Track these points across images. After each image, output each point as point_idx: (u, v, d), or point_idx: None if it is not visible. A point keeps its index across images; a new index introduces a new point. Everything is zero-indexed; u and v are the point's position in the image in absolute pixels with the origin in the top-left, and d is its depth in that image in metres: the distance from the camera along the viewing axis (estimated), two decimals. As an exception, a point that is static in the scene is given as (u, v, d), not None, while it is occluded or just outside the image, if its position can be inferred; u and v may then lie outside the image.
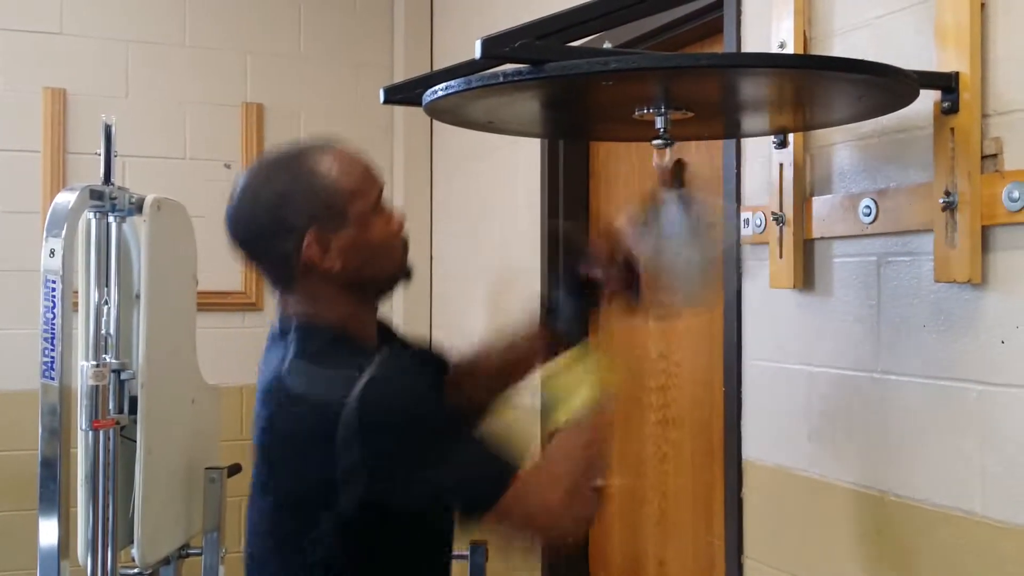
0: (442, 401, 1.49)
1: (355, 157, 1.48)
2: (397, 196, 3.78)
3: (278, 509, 1.43)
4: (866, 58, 1.49)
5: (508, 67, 1.31)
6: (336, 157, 1.45)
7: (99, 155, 2.49)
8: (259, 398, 1.45)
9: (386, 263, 1.49)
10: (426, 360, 1.64)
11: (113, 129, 2.51)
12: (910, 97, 1.45)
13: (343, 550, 1.39)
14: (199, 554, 2.66)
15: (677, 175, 1.62)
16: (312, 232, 1.40)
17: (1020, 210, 1.39)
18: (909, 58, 1.54)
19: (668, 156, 1.53)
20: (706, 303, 1.60)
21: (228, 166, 3.66)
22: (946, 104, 1.48)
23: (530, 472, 1.37)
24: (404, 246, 1.51)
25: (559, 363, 1.50)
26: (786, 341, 1.89)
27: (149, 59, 3.61)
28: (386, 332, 1.57)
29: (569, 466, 1.41)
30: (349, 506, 1.34)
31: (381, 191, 1.49)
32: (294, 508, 1.41)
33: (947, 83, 1.48)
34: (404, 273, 1.52)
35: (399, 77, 3.84)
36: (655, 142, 1.50)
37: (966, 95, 1.46)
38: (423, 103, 1.50)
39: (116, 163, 2.53)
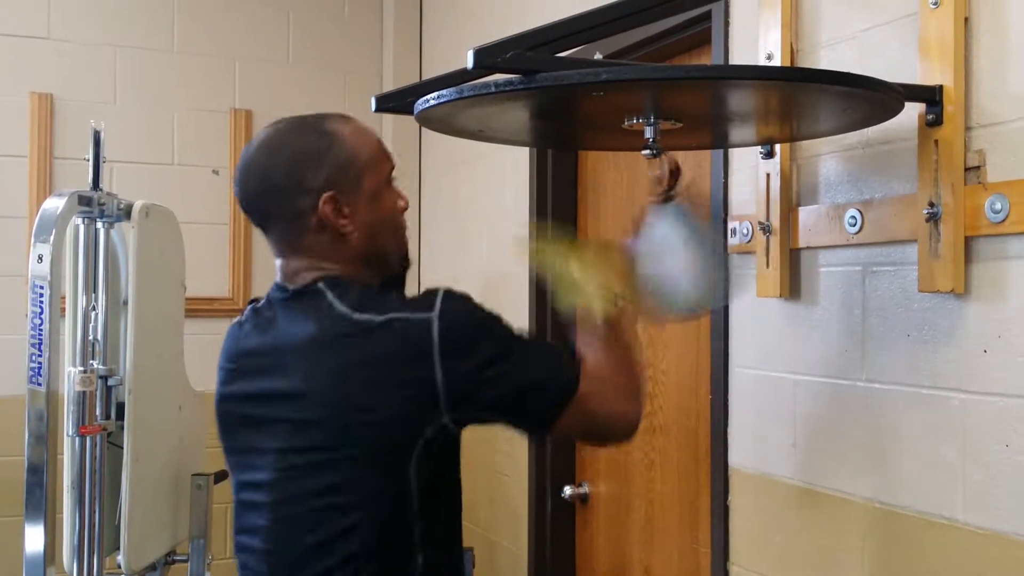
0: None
1: (371, 131, 1.53)
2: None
3: (357, 466, 1.40)
4: (852, 71, 1.51)
5: (499, 77, 1.32)
6: (354, 127, 1.50)
7: (88, 160, 2.48)
8: (288, 362, 1.44)
9: (392, 239, 1.53)
10: None
11: (102, 135, 2.51)
12: (895, 109, 1.48)
13: (419, 494, 1.41)
14: (185, 561, 2.66)
15: (673, 184, 1.64)
16: (329, 194, 1.44)
17: (1002, 221, 1.41)
18: (894, 71, 1.56)
19: (664, 166, 1.55)
20: (702, 309, 1.62)
21: (216, 172, 3.66)
22: (930, 117, 1.50)
23: (590, 367, 1.47)
24: (404, 228, 1.57)
25: (556, 248, 1.59)
26: (772, 349, 1.90)
27: (137, 64, 3.60)
28: None
29: (619, 361, 1.50)
30: (447, 418, 1.39)
31: (392, 167, 1.54)
32: (379, 452, 1.40)
33: (931, 96, 1.50)
34: (404, 258, 1.56)
35: (388, 84, 3.85)
36: (644, 152, 1.52)
37: (950, 108, 1.48)
38: (415, 112, 1.51)
39: (104, 169, 2.53)
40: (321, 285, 1.45)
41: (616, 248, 1.59)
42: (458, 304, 1.42)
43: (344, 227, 1.45)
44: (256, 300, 1.59)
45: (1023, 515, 1.41)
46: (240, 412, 1.52)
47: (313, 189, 1.43)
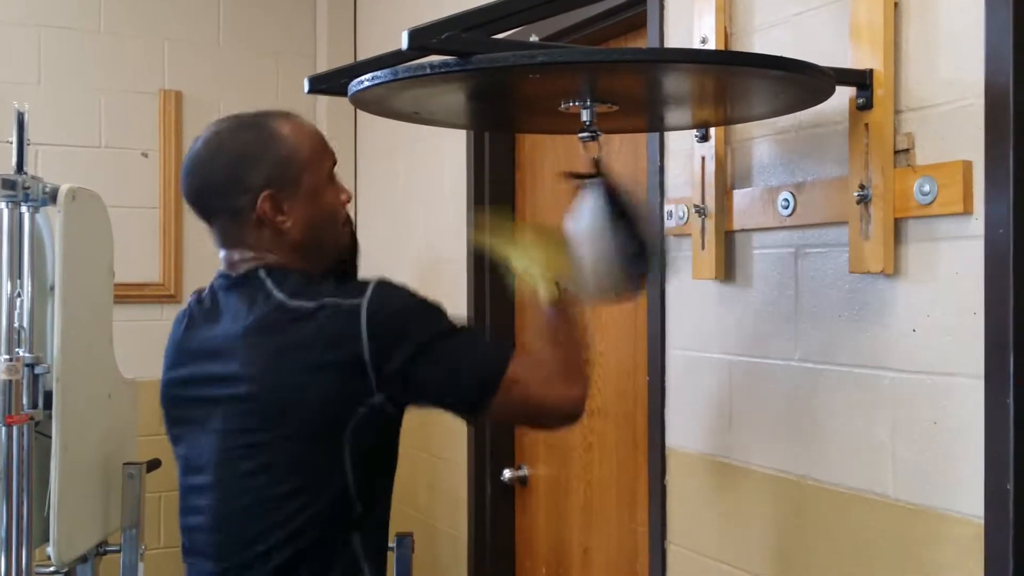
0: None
1: (313, 128, 1.57)
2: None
3: (292, 448, 1.44)
4: (785, 54, 1.52)
5: (435, 58, 1.31)
6: (295, 125, 1.54)
7: (11, 143, 2.42)
8: (228, 347, 1.47)
9: (333, 233, 1.57)
10: None
11: (26, 116, 2.44)
12: (826, 93, 1.49)
13: (355, 473, 1.44)
14: (117, 551, 2.62)
15: (599, 164, 1.64)
16: (267, 192, 1.48)
17: (931, 203, 1.44)
18: (826, 55, 1.58)
19: (599, 147, 1.56)
20: (631, 291, 1.63)
21: (145, 155, 3.59)
22: (861, 100, 1.53)
23: (529, 352, 1.51)
24: (348, 220, 1.60)
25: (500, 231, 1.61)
26: (708, 331, 1.92)
27: (62, 45, 3.50)
28: None
29: (562, 344, 1.51)
30: (379, 399, 1.42)
31: (334, 163, 1.58)
32: (313, 433, 1.43)
33: (862, 80, 1.52)
34: (349, 249, 1.60)
35: (322, 66, 3.80)
36: (581, 135, 1.52)
37: (880, 92, 1.51)
38: (348, 93, 1.49)
39: (28, 152, 2.46)
40: (261, 273, 1.50)
41: (555, 231, 1.60)
42: (388, 291, 1.47)
43: (283, 223, 1.50)
44: (201, 289, 1.63)
45: (951, 491, 1.44)
46: (184, 396, 1.57)
47: (252, 187, 1.48)
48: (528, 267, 1.56)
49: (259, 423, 1.45)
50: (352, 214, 3.74)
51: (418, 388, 1.45)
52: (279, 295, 1.47)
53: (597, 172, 1.58)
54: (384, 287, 1.46)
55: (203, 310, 1.57)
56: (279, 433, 1.43)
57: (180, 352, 1.59)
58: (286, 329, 1.44)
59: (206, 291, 1.60)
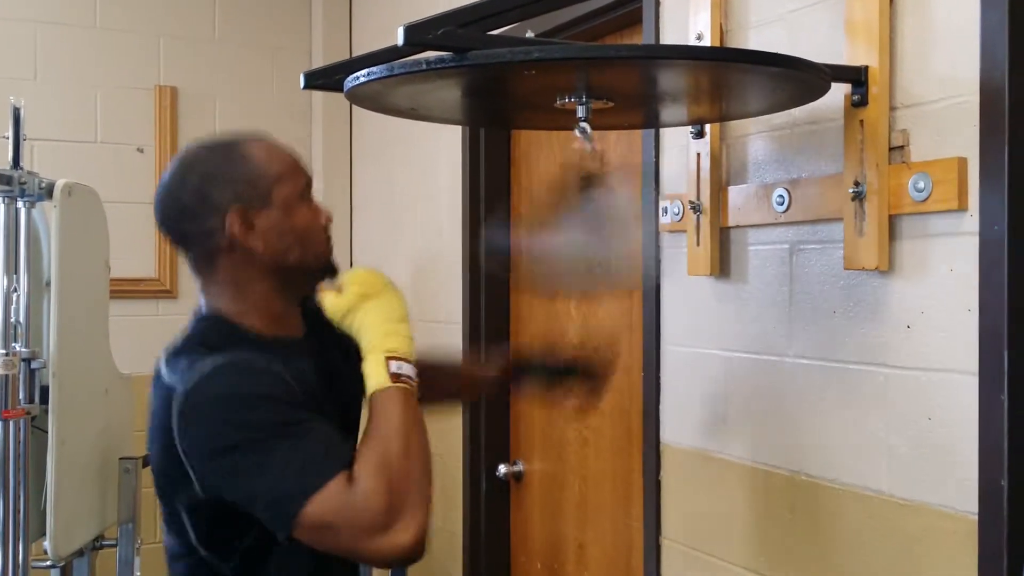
0: (282, 401, 1.33)
1: (285, 148, 1.49)
2: (316, 182, 3.72)
3: (167, 516, 1.44)
4: (780, 51, 1.53)
5: (431, 54, 1.31)
6: (266, 145, 1.47)
7: (7, 138, 2.42)
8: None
9: (309, 252, 1.46)
10: (335, 346, 1.53)
11: (22, 112, 2.44)
12: (822, 90, 1.50)
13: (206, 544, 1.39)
14: (113, 546, 2.62)
15: (593, 161, 1.65)
16: (235, 210, 1.40)
17: (925, 200, 1.45)
18: (821, 52, 1.58)
19: (595, 141, 1.57)
20: (621, 286, 1.64)
21: (141, 150, 3.58)
22: (856, 97, 1.53)
23: (346, 483, 1.26)
24: (328, 241, 1.49)
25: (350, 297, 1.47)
26: (703, 327, 1.93)
27: (59, 40, 3.50)
28: (315, 316, 1.54)
29: (393, 458, 1.29)
30: (196, 492, 1.33)
31: (309, 183, 1.49)
32: (161, 495, 1.43)
33: (857, 77, 1.52)
34: (328, 268, 1.49)
35: (317, 61, 3.80)
36: (576, 131, 1.52)
37: (875, 89, 1.51)
38: (344, 89, 1.49)
39: (25, 147, 2.46)
40: (195, 317, 1.46)
41: (396, 297, 1.47)
42: (213, 382, 1.31)
43: (254, 246, 1.41)
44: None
45: (945, 486, 1.45)
46: None
47: (220, 206, 1.40)
48: (367, 340, 1.42)
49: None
50: (347, 208, 3.77)
51: (225, 496, 1.31)
52: (169, 356, 1.39)
53: (593, 175, 1.60)
54: (213, 377, 1.31)
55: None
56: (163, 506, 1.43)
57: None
58: (157, 400, 1.38)
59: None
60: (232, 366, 1.33)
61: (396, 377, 1.36)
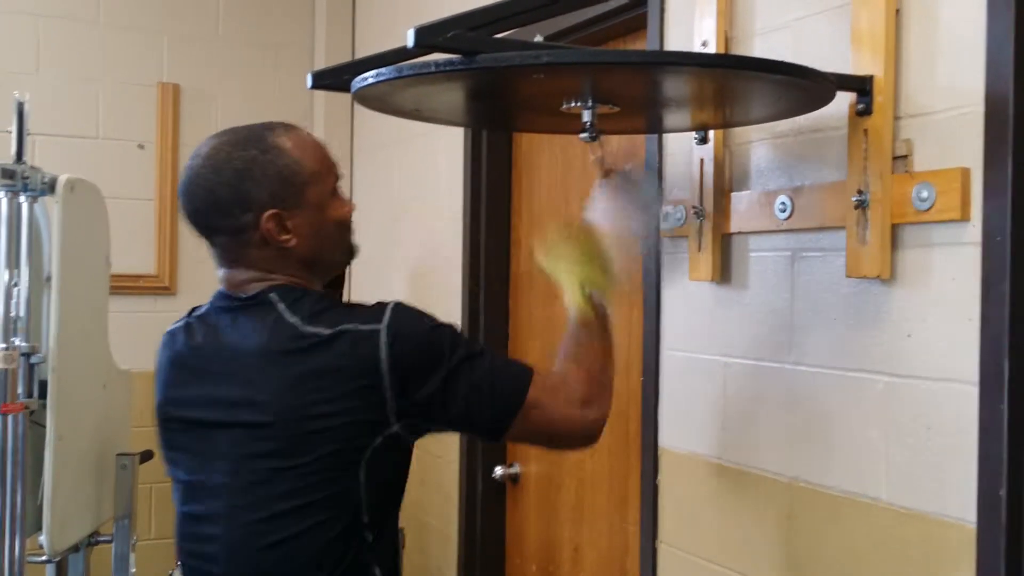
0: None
1: (317, 142, 1.53)
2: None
3: (310, 478, 1.40)
4: (785, 59, 1.53)
5: (440, 57, 1.32)
6: (299, 138, 1.50)
7: (10, 133, 2.42)
8: (240, 370, 1.44)
9: (338, 246, 1.56)
10: None
11: (26, 106, 2.44)
12: (826, 98, 1.50)
13: (369, 503, 1.43)
14: (109, 541, 2.62)
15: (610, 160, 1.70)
16: (270, 211, 1.44)
17: (928, 209, 1.45)
18: (826, 60, 1.59)
19: (602, 150, 1.59)
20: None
21: (142, 147, 3.59)
22: (860, 106, 1.54)
23: (550, 371, 1.50)
24: (352, 231, 1.59)
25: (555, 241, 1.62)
26: (703, 332, 1.93)
27: (61, 35, 3.50)
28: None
29: (585, 363, 1.51)
30: (396, 428, 1.41)
31: (338, 176, 1.55)
32: (330, 463, 1.40)
33: (862, 86, 1.53)
34: (350, 254, 1.60)
35: (320, 59, 3.80)
36: (582, 136, 1.53)
37: (880, 98, 1.52)
38: (352, 90, 1.50)
39: (27, 141, 2.46)
40: (272, 296, 1.46)
41: (598, 246, 1.59)
42: (407, 316, 1.45)
43: (287, 242, 1.47)
44: (196, 308, 1.59)
45: (944, 495, 1.45)
46: (186, 417, 1.51)
47: (256, 205, 1.44)
48: (565, 278, 1.57)
49: (276, 451, 1.40)
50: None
51: (439, 415, 1.45)
52: (292, 319, 1.43)
53: (612, 169, 1.64)
54: (402, 312, 1.45)
55: (206, 330, 1.51)
56: (297, 461, 1.40)
57: (180, 370, 1.53)
58: (303, 356, 1.40)
59: (205, 309, 1.55)
60: (408, 307, 1.47)
61: (589, 299, 1.55)
